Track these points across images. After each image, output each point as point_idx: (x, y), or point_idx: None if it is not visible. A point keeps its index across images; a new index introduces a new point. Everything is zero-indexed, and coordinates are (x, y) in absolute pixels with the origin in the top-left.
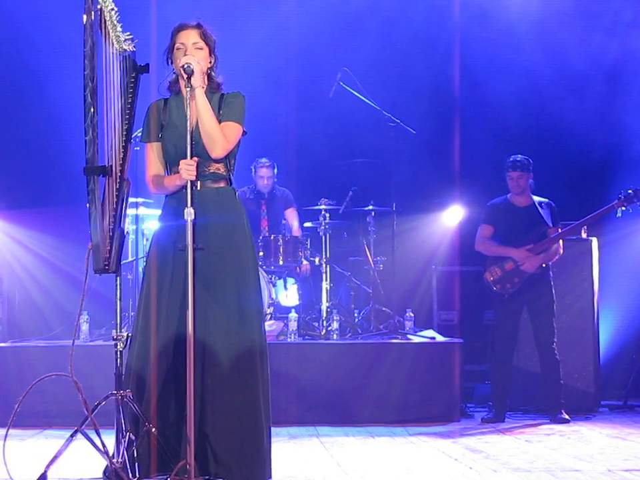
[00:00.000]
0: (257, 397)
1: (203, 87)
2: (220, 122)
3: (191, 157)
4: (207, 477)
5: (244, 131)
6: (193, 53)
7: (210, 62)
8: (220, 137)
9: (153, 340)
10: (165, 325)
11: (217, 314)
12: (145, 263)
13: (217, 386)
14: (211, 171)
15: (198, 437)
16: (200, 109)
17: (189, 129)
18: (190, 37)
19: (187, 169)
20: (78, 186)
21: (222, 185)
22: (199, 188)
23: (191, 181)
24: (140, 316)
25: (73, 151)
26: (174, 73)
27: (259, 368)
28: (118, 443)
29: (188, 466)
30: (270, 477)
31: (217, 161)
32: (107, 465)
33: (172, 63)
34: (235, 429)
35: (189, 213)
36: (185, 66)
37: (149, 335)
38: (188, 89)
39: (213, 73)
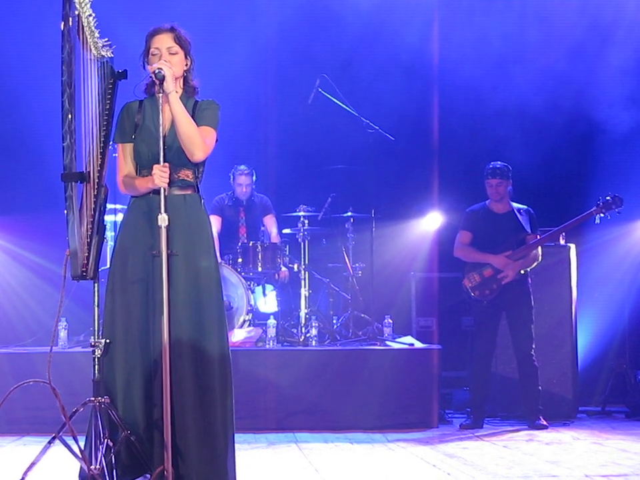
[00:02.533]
0: (212, 405)
1: (177, 92)
2: None
3: (164, 160)
4: None
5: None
6: (167, 58)
7: (186, 64)
8: (200, 139)
9: (119, 344)
10: (128, 330)
11: (174, 321)
12: (109, 264)
13: (173, 394)
14: (180, 177)
15: (159, 441)
16: (177, 114)
17: (161, 134)
18: (164, 42)
19: (160, 175)
20: (56, 192)
21: (189, 192)
22: (165, 194)
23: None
24: (107, 320)
25: (51, 158)
26: (150, 76)
27: (217, 376)
28: (95, 449)
29: (165, 472)
30: None
31: (187, 168)
32: (81, 468)
33: (149, 66)
34: (186, 436)
35: (163, 220)
36: (157, 71)
37: (114, 339)
38: (160, 94)
39: (189, 76)
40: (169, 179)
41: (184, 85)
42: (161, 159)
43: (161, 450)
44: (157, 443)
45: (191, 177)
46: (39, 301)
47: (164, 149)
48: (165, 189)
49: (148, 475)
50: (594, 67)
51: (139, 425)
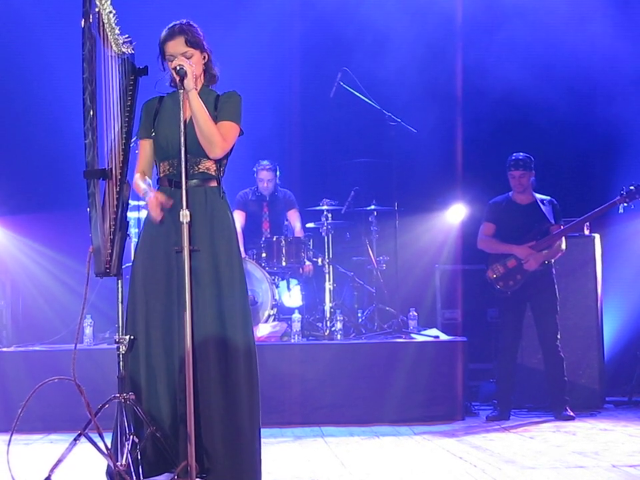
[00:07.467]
0: (238, 399)
1: (196, 89)
2: (216, 122)
3: (185, 154)
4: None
5: (241, 130)
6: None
7: (203, 58)
8: (217, 137)
9: (141, 340)
10: (150, 326)
11: (196, 315)
12: (133, 259)
13: (197, 388)
14: (200, 170)
15: (184, 436)
16: (195, 111)
17: (182, 130)
18: (177, 48)
19: (155, 207)
20: (79, 190)
21: (210, 184)
22: (186, 187)
23: (176, 180)
24: (129, 317)
25: (73, 155)
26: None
27: (242, 370)
28: (121, 445)
29: (189, 467)
30: None
31: (207, 160)
32: (108, 465)
33: (169, 63)
34: (212, 430)
35: (185, 215)
36: (178, 68)
37: (137, 336)
38: (181, 91)
39: (210, 65)
40: (188, 172)
41: (205, 75)
42: (182, 151)
43: (186, 445)
44: (182, 438)
45: (212, 169)
46: (65, 298)
47: (185, 142)
48: (177, 183)
49: (173, 471)
50: (615, 58)
51: (164, 421)
